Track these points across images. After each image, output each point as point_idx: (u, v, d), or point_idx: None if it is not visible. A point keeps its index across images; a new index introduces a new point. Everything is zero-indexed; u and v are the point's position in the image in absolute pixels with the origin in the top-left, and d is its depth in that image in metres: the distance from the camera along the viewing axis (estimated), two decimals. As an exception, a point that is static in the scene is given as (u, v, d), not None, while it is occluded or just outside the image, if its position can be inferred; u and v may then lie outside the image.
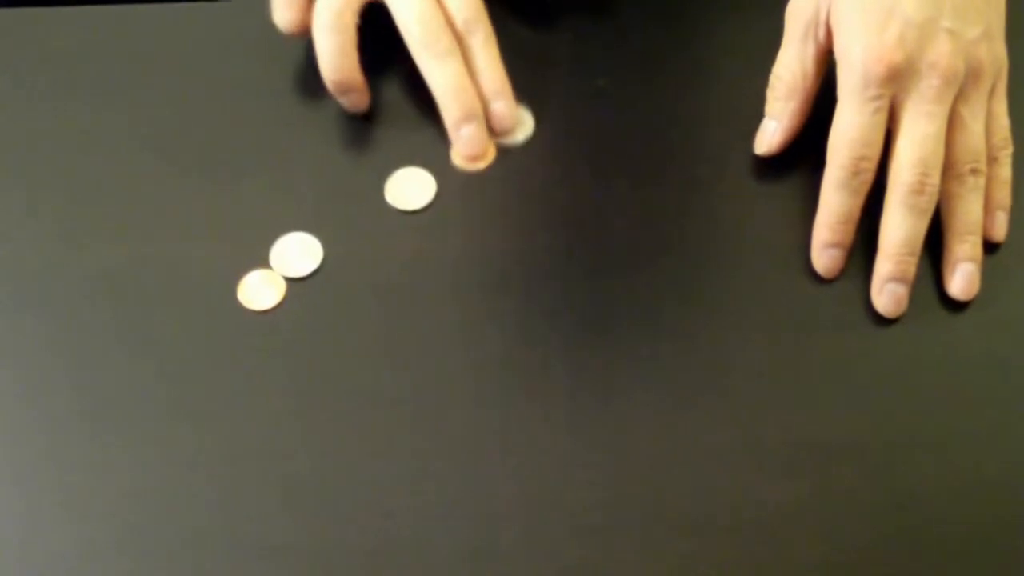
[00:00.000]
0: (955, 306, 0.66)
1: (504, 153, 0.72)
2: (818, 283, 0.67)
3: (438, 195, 0.70)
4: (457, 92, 0.70)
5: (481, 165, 0.70)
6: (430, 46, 0.70)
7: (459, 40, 0.71)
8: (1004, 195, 0.68)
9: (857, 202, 0.66)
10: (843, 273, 0.67)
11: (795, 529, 0.60)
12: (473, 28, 0.71)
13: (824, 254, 0.67)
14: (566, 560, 0.59)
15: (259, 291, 0.67)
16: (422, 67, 0.71)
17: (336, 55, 0.70)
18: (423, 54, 0.71)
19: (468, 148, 0.71)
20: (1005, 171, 0.68)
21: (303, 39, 0.73)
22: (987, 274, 0.66)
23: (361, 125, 0.73)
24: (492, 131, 0.71)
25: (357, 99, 0.72)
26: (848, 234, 0.67)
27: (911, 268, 0.65)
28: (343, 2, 0.71)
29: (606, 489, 0.61)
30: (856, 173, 0.66)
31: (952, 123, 0.66)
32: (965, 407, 0.63)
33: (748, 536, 0.59)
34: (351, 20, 0.71)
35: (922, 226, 0.65)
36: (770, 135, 0.70)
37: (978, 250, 0.67)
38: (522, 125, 0.72)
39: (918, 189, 0.65)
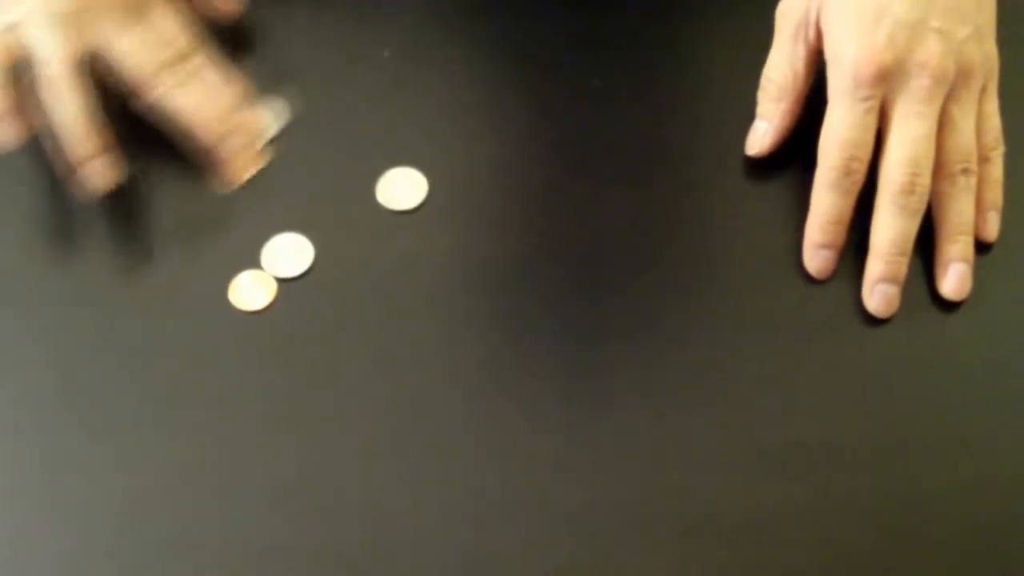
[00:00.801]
0: (947, 306, 0.66)
1: (498, 153, 0.72)
2: (811, 284, 0.67)
3: (430, 195, 0.70)
4: (211, 110, 0.69)
5: (253, 171, 0.70)
6: (165, 81, 0.68)
7: (185, 66, 0.69)
8: (995, 195, 0.68)
9: (848, 203, 0.66)
10: (836, 274, 0.67)
11: (790, 531, 0.60)
12: (191, 51, 0.69)
13: (816, 255, 0.67)
14: (560, 562, 0.59)
15: (250, 292, 0.67)
16: (160, 105, 0.68)
17: (78, 121, 0.66)
18: (158, 93, 0.68)
19: (236, 159, 0.70)
20: (996, 171, 0.68)
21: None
22: (979, 274, 0.66)
23: (352, 125, 0.72)
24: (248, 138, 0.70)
25: (105, 168, 0.66)
26: (840, 235, 0.67)
27: (902, 268, 0.65)
28: (66, 66, 0.66)
29: (600, 491, 0.61)
30: (847, 174, 0.66)
31: (943, 123, 0.66)
32: (959, 407, 0.63)
33: (743, 538, 0.59)
34: (83, 81, 0.66)
35: (913, 226, 0.65)
36: (761, 136, 0.70)
37: (970, 250, 0.67)
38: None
39: (908, 189, 0.65)
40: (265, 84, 0.72)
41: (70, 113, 0.66)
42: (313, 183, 0.70)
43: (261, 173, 0.70)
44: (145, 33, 0.68)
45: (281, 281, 0.67)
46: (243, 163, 0.69)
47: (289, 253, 0.68)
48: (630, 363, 0.65)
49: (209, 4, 0.73)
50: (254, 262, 0.67)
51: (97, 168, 0.66)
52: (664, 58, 0.76)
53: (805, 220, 0.67)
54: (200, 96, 0.68)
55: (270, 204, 0.69)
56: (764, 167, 0.70)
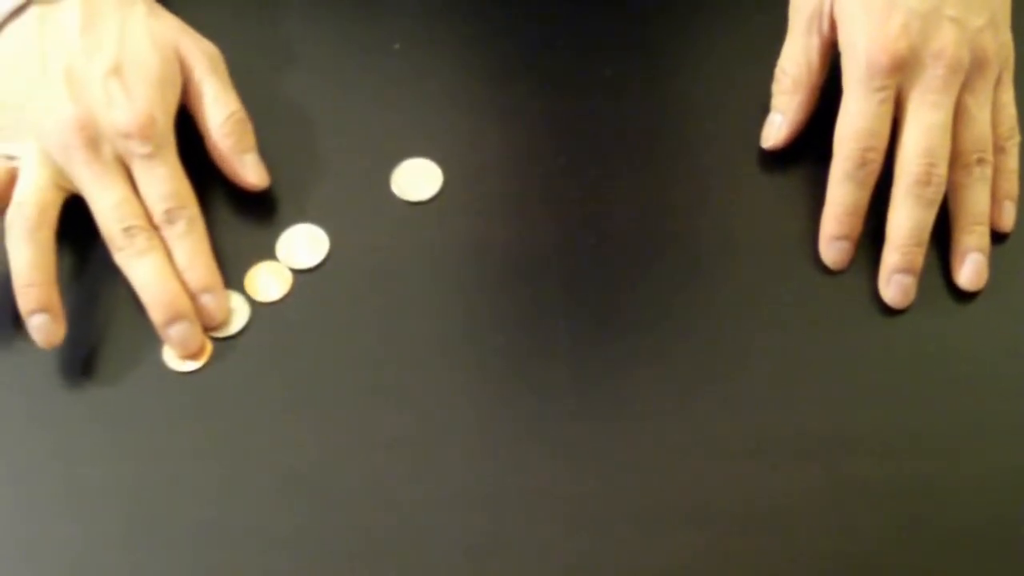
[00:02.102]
0: (964, 296, 0.66)
1: (512, 143, 0.72)
2: (826, 275, 0.67)
3: (444, 186, 0.70)
4: (158, 293, 0.64)
5: (199, 362, 0.65)
6: (125, 249, 0.64)
7: (161, 230, 0.65)
8: (1011, 185, 0.68)
9: (864, 194, 0.66)
10: (852, 265, 0.67)
11: (804, 520, 0.60)
12: (174, 217, 0.65)
13: (832, 246, 0.67)
14: (571, 551, 0.59)
15: (266, 283, 0.67)
16: (122, 268, 0.65)
17: (27, 267, 0.63)
18: (120, 257, 0.64)
19: (180, 349, 0.64)
20: (1012, 161, 0.68)
21: None
22: (995, 264, 0.66)
23: (366, 117, 0.72)
24: (204, 326, 0.65)
25: (48, 325, 0.63)
26: (856, 226, 0.67)
27: (918, 259, 0.65)
28: (35, 209, 0.64)
29: (613, 481, 0.61)
30: (863, 164, 0.66)
31: (958, 113, 0.66)
32: (974, 397, 0.63)
33: (757, 528, 0.60)
34: (47, 232, 0.64)
35: (929, 217, 0.65)
36: (776, 128, 0.70)
37: (986, 240, 0.67)
38: (236, 314, 0.66)
39: (925, 180, 0.65)
40: (276, 79, 0.71)
41: (20, 263, 0.63)
42: (328, 175, 0.70)
43: (275, 165, 0.70)
44: (123, 196, 0.65)
45: (297, 272, 0.67)
46: (187, 349, 0.65)
47: (304, 244, 0.68)
48: (644, 352, 0.65)
49: (235, 174, 0.69)
50: (270, 253, 0.67)
51: (35, 324, 0.63)
52: (677, 49, 0.76)
53: (820, 212, 0.67)
54: (154, 274, 0.64)
55: (285, 196, 0.69)
56: (779, 159, 0.70)
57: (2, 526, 0.60)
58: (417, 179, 0.70)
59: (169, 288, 0.64)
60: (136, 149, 0.65)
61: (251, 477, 0.61)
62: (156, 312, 0.64)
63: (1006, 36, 0.68)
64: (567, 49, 0.75)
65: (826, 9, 0.69)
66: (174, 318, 0.64)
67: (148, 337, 0.65)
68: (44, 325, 0.63)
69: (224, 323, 0.66)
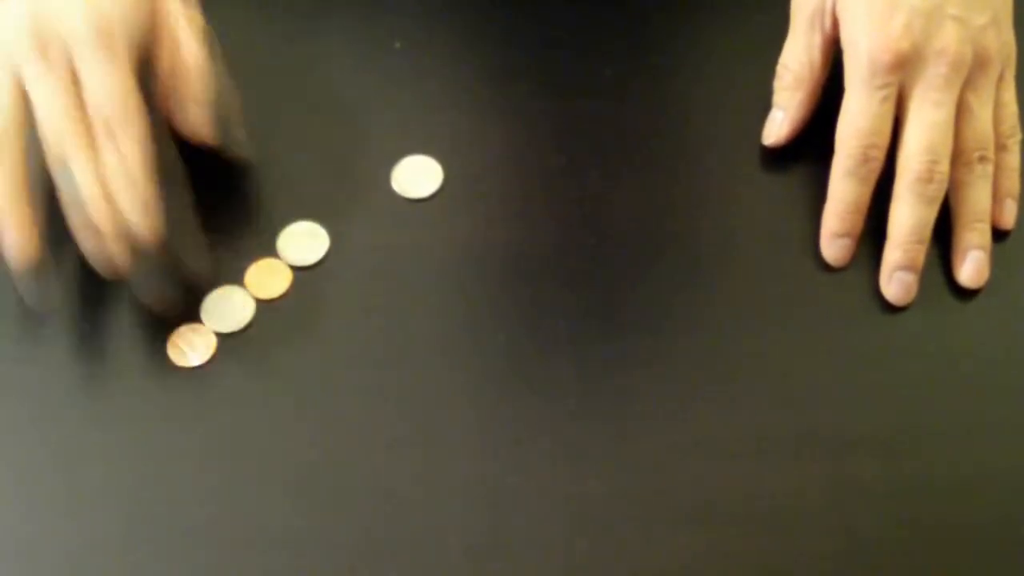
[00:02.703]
0: (965, 294, 0.66)
1: (512, 141, 0.72)
2: (827, 272, 0.67)
3: (445, 183, 0.70)
4: (81, 204, 0.60)
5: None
6: (53, 149, 0.60)
7: (101, 133, 0.61)
8: (1013, 183, 0.68)
9: (866, 191, 0.66)
10: (853, 262, 0.67)
11: (805, 520, 0.60)
12: (114, 124, 0.61)
13: (833, 244, 0.67)
14: (573, 551, 0.59)
15: (266, 280, 0.67)
16: (51, 172, 0.61)
17: (3, 190, 0.60)
18: (48, 159, 0.61)
19: (99, 266, 0.61)
20: (1014, 159, 0.68)
21: None
22: (996, 262, 0.66)
23: (367, 114, 0.72)
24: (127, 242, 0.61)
25: (19, 244, 0.60)
26: (857, 223, 0.67)
27: (920, 256, 0.65)
28: (6, 128, 0.61)
29: (614, 480, 0.61)
30: (864, 161, 0.66)
31: (960, 111, 0.66)
32: (975, 395, 0.63)
33: (758, 527, 0.59)
34: (18, 144, 0.61)
35: (931, 214, 0.65)
36: (778, 125, 0.70)
37: (987, 238, 0.67)
38: (241, 310, 0.66)
39: (926, 177, 0.65)
40: (276, 76, 0.71)
41: None
42: (328, 171, 0.70)
43: (276, 161, 0.70)
44: (61, 93, 0.61)
45: (297, 269, 0.67)
46: (108, 260, 0.61)
47: (305, 241, 0.68)
48: (644, 352, 0.65)
49: (187, 125, 0.66)
50: (270, 250, 0.67)
51: (7, 243, 0.60)
52: (677, 49, 0.76)
53: (821, 209, 0.67)
54: (90, 176, 0.60)
55: (286, 192, 0.69)
56: (780, 156, 0.70)
57: (3, 526, 0.60)
58: (418, 177, 0.70)
59: (93, 204, 0.60)
60: (87, 53, 0.61)
61: (251, 476, 0.61)
62: (76, 227, 0.61)
63: (1008, 34, 0.68)
64: (568, 48, 0.75)
65: (828, 6, 0.69)
66: (94, 235, 0.60)
67: (150, 336, 0.65)
68: (15, 243, 0.60)
69: (150, 245, 0.61)
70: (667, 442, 0.62)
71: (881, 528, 0.59)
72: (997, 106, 0.68)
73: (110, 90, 0.61)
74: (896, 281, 0.65)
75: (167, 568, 0.59)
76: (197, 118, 0.66)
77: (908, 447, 0.62)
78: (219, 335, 0.65)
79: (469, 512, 0.60)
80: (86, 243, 0.61)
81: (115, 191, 0.60)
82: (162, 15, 0.65)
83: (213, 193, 0.69)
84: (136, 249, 0.61)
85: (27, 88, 0.61)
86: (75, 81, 0.61)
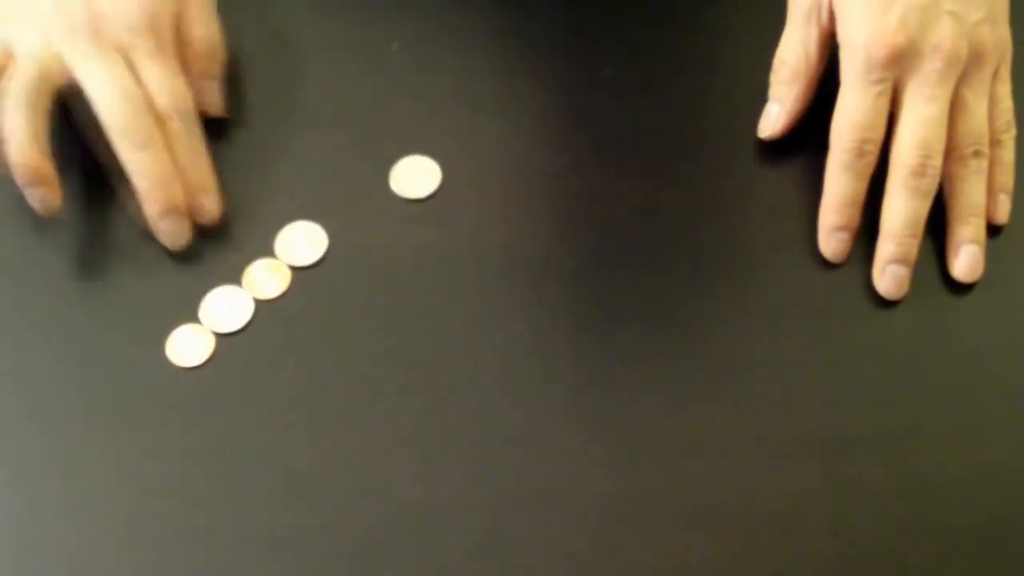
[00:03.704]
0: (959, 288, 0.66)
1: (511, 141, 0.72)
2: (821, 268, 0.67)
3: (443, 184, 0.70)
4: (158, 184, 0.65)
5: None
6: (129, 134, 0.65)
7: (161, 125, 0.66)
8: (1007, 178, 0.68)
9: (862, 185, 0.66)
10: (851, 258, 0.67)
11: (804, 519, 0.60)
12: (174, 112, 0.66)
13: (832, 238, 0.67)
14: (570, 551, 0.59)
15: (264, 280, 0.67)
16: (121, 155, 0.66)
17: (24, 137, 0.64)
18: (120, 144, 0.65)
19: (170, 242, 0.67)
20: (1008, 154, 0.68)
21: None
22: (991, 256, 0.66)
23: (365, 114, 0.72)
24: (196, 223, 0.68)
25: (45, 193, 0.65)
26: (854, 217, 0.67)
27: (912, 250, 0.65)
28: (35, 81, 0.65)
29: (613, 480, 0.61)
30: (860, 155, 0.66)
31: (955, 106, 0.66)
32: (971, 391, 0.63)
33: (757, 526, 0.59)
34: (44, 101, 0.65)
35: (924, 208, 0.65)
36: (774, 119, 0.70)
37: (982, 232, 0.66)
38: (240, 309, 0.66)
39: (919, 171, 0.65)
40: (274, 77, 0.72)
41: (15, 140, 0.64)
42: (327, 172, 0.70)
43: (274, 162, 0.71)
44: (127, 83, 0.66)
45: (295, 269, 0.67)
46: (175, 243, 0.67)
47: (303, 242, 0.68)
48: (643, 351, 0.65)
49: (198, 98, 0.70)
50: (268, 250, 0.68)
51: (35, 196, 0.65)
52: (674, 43, 0.76)
53: (817, 204, 0.67)
54: (154, 164, 0.65)
55: (284, 193, 0.70)
56: (776, 150, 0.70)
57: (2, 526, 0.60)
58: (416, 177, 0.70)
59: (169, 181, 0.66)
60: (141, 44, 0.67)
61: (250, 476, 0.61)
62: (152, 202, 0.66)
63: (1004, 30, 0.68)
64: (567, 47, 0.75)
65: (824, 1, 0.69)
66: (169, 210, 0.66)
67: (148, 336, 0.65)
68: (42, 197, 0.65)
69: (214, 223, 0.68)
70: (665, 442, 0.62)
71: (880, 527, 0.59)
72: (992, 101, 0.67)
73: (168, 82, 0.67)
74: (889, 275, 0.65)
75: (166, 568, 0.59)
76: (211, 93, 0.71)
77: (906, 445, 0.61)
78: (218, 335, 0.65)
79: (468, 512, 0.60)
80: (158, 217, 0.66)
81: (185, 170, 0.67)
82: None
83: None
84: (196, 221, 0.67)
85: (76, 67, 0.66)
86: (131, 67, 0.67)
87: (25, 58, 0.66)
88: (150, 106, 0.66)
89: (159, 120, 0.66)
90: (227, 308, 0.66)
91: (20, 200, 0.66)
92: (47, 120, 0.65)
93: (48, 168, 0.65)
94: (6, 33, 0.67)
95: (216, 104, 0.71)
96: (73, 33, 0.66)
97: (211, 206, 0.67)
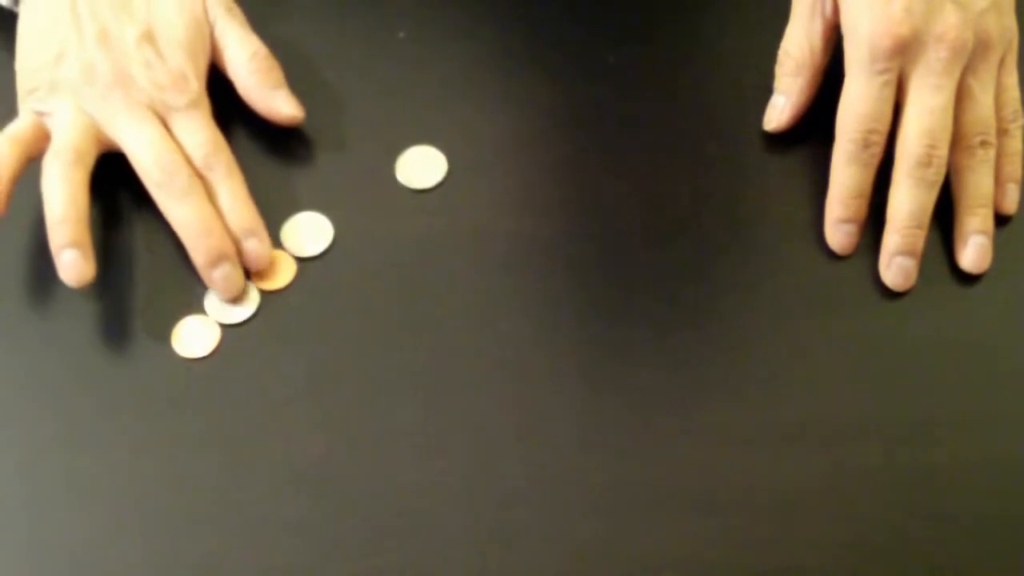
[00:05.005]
0: (967, 279, 0.66)
1: (516, 131, 0.72)
2: (828, 259, 0.67)
3: (449, 174, 0.70)
4: (202, 234, 0.65)
5: (247, 309, 0.66)
6: (167, 187, 0.65)
7: (201, 177, 0.66)
8: (1015, 167, 0.68)
9: (868, 176, 0.66)
10: (858, 250, 0.67)
11: (811, 508, 0.60)
12: (213, 163, 0.67)
13: (838, 230, 0.67)
14: (579, 540, 0.59)
15: (270, 270, 0.67)
16: (164, 210, 0.66)
17: (62, 200, 0.64)
18: (161, 197, 0.66)
19: (224, 291, 0.66)
20: (1016, 143, 0.68)
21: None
22: (998, 247, 0.66)
23: (371, 105, 0.72)
24: (247, 271, 0.67)
25: (77, 259, 0.64)
26: (861, 209, 0.66)
27: (919, 241, 0.65)
28: (73, 146, 0.65)
29: (619, 468, 0.61)
30: (866, 146, 0.66)
31: (961, 95, 0.66)
32: (979, 382, 0.63)
33: (762, 515, 0.60)
34: (84, 165, 0.66)
35: (930, 199, 0.65)
36: (779, 111, 0.70)
37: (990, 222, 0.66)
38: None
39: (925, 161, 0.64)
40: (281, 67, 0.71)
41: (54, 200, 0.64)
42: (333, 163, 0.71)
43: (280, 152, 0.71)
44: (163, 137, 0.67)
45: (301, 260, 0.67)
46: (231, 292, 0.66)
47: (309, 232, 0.68)
48: (650, 340, 0.65)
49: (268, 109, 0.71)
50: (274, 241, 0.68)
51: (66, 260, 0.64)
52: (679, 33, 0.76)
53: (824, 195, 0.67)
54: (197, 214, 0.65)
55: (290, 184, 0.70)
56: (782, 142, 0.70)
57: (6, 515, 0.60)
58: (422, 167, 0.70)
59: (213, 229, 0.65)
60: (172, 101, 0.67)
61: (255, 466, 0.61)
62: (200, 253, 0.65)
63: (1010, 18, 0.68)
64: (571, 37, 0.75)
65: None
66: (218, 259, 0.65)
67: (154, 327, 0.65)
68: (74, 261, 0.64)
69: (265, 267, 0.67)
70: (671, 430, 0.62)
71: (885, 515, 0.59)
72: (999, 90, 0.67)
73: (202, 135, 0.67)
74: (895, 266, 0.65)
75: (170, 558, 0.59)
76: (282, 103, 0.70)
77: (911, 435, 0.62)
78: (223, 326, 0.65)
79: (473, 502, 0.60)
80: (206, 267, 0.65)
81: (229, 217, 0.66)
82: (206, 25, 0.70)
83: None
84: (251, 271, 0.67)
85: (110, 129, 0.67)
86: (164, 124, 0.67)
87: (61, 125, 0.66)
88: (187, 160, 0.66)
89: (198, 173, 0.66)
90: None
91: (25, 192, 0.65)
92: (87, 183, 0.65)
93: (84, 231, 0.64)
94: (37, 104, 0.67)
95: (292, 108, 0.70)
96: (104, 97, 0.67)
97: (260, 250, 0.66)
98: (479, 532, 0.59)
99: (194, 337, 0.65)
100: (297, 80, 0.72)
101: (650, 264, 0.67)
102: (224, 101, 0.71)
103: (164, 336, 0.65)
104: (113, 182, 0.69)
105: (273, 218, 0.68)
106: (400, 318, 0.65)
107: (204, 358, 0.64)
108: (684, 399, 0.63)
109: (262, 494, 0.61)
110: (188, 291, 0.66)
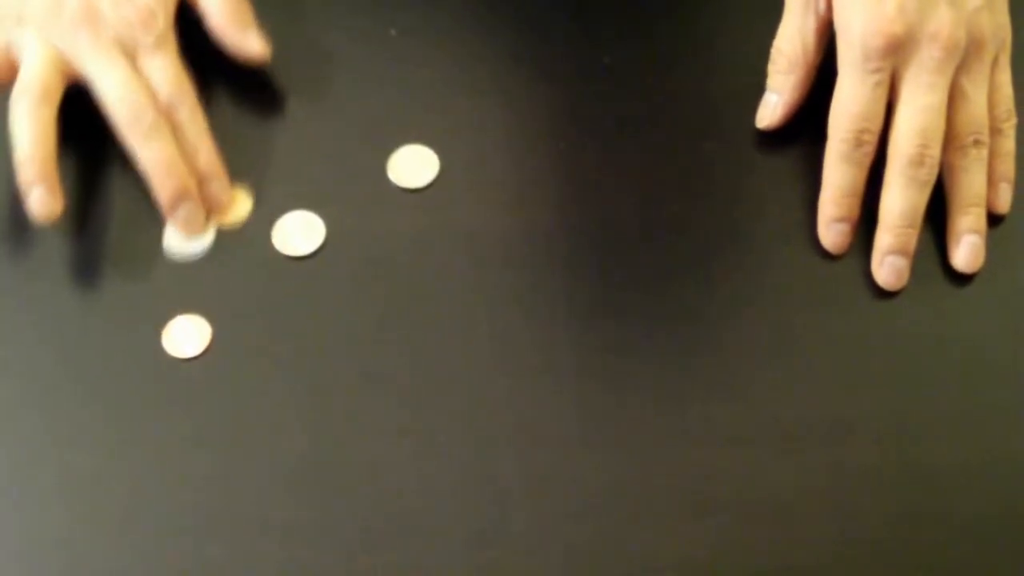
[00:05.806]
0: (960, 279, 0.66)
1: (509, 130, 0.72)
2: (820, 258, 0.67)
3: (441, 173, 0.70)
4: (167, 171, 0.66)
5: (201, 244, 0.67)
6: (133, 126, 0.66)
7: (166, 116, 0.67)
8: (1008, 167, 0.68)
9: (861, 175, 0.66)
10: (851, 249, 0.67)
11: (806, 508, 0.60)
12: (177, 102, 0.67)
13: (831, 229, 0.67)
14: (573, 540, 0.59)
15: (226, 206, 0.68)
16: (128, 147, 0.66)
17: (31, 135, 0.65)
18: (127, 134, 0.66)
19: (185, 228, 0.67)
20: (1009, 143, 0.68)
21: None
22: (991, 246, 0.66)
23: (362, 103, 0.72)
24: (207, 211, 0.68)
25: (44, 194, 0.65)
26: (854, 208, 0.66)
27: (911, 240, 0.65)
28: (41, 80, 0.66)
29: (613, 468, 0.61)
30: (858, 145, 0.65)
31: (954, 94, 0.66)
32: (973, 381, 0.63)
33: (758, 514, 0.60)
34: (52, 100, 0.66)
35: (922, 198, 0.65)
36: (772, 109, 0.70)
37: (982, 222, 0.66)
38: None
39: (918, 161, 0.64)
40: (271, 64, 0.71)
41: (21, 137, 0.65)
42: (324, 161, 0.70)
43: (270, 151, 0.70)
44: (130, 76, 0.67)
45: (292, 259, 0.67)
46: (192, 230, 0.67)
47: (300, 231, 0.68)
48: (643, 340, 0.65)
49: (238, 47, 0.71)
50: (265, 240, 0.67)
51: (35, 197, 0.64)
52: (672, 32, 0.75)
53: (817, 194, 0.67)
54: (162, 154, 0.66)
55: (281, 182, 0.69)
56: (774, 140, 0.70)
57: (0, 515, 0.60)
58: (414, 166, 0.70)
59: (177, 169, 0.66)
60: (140, 38, 0.68)
61: (246, 466, 0.61)
62: (164, 192, 0.66)
63: (1003, 17, 0.68)
64: (565, 35, 0.75)
65: None
66: (181, 198, 0.66)
67: (145, 326, 0.65)
68: (42, 197, 0.64)
69: (226, 210, 0.68)
70: (666, 430, 0.62)
71: (881, 514, 0.59)
72: (992, 89, 0.67)
73: (169, 73, 0.68)
74: (887, 266, 0.65)
75: (162, 557, 0.59)
76: (254, 42, 0.71)
77: (907, 433, 0.62)
78: (214, 325, 0.65)
79: (467, 501, 0.60)
80: (170, 204, 0.66)
81: (193, 158, 0.67)
82: None
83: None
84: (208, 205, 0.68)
85: (78, 64, 0.67)
86: (132, 61, 0.68)
87: (28, 59, 0.67)
88: (153, 98, 0.67)
89: (163, 111, 0.67)
90: (224, 298, 0.66)
91: (19, 190, 0.65)
92: (54, 120, 0.66)
93: (52, 168, 0.65)
94: (4, 33, 0.68)
95: (260, 51, 0.71)
96: (72, 31, 0.67)
97: (220, 193, 0.68)
98: (473, 532, 0.59)
99: (185, 336, 0.65)
100: (288, 78, 0.72)
101: (643, 263, 0.67)
102: (223, 99, 0.71)
103: (154, 335, 0.65)
104: (106, 177, 0.69)
105: (265, 217, 0.68)
106: (392, 317, 0.65)
107: (195, 358, 0.64)
108: (679, 398, 0.63)
109: (253, 493, 0.60)
110: (179, 290, 0.66)
